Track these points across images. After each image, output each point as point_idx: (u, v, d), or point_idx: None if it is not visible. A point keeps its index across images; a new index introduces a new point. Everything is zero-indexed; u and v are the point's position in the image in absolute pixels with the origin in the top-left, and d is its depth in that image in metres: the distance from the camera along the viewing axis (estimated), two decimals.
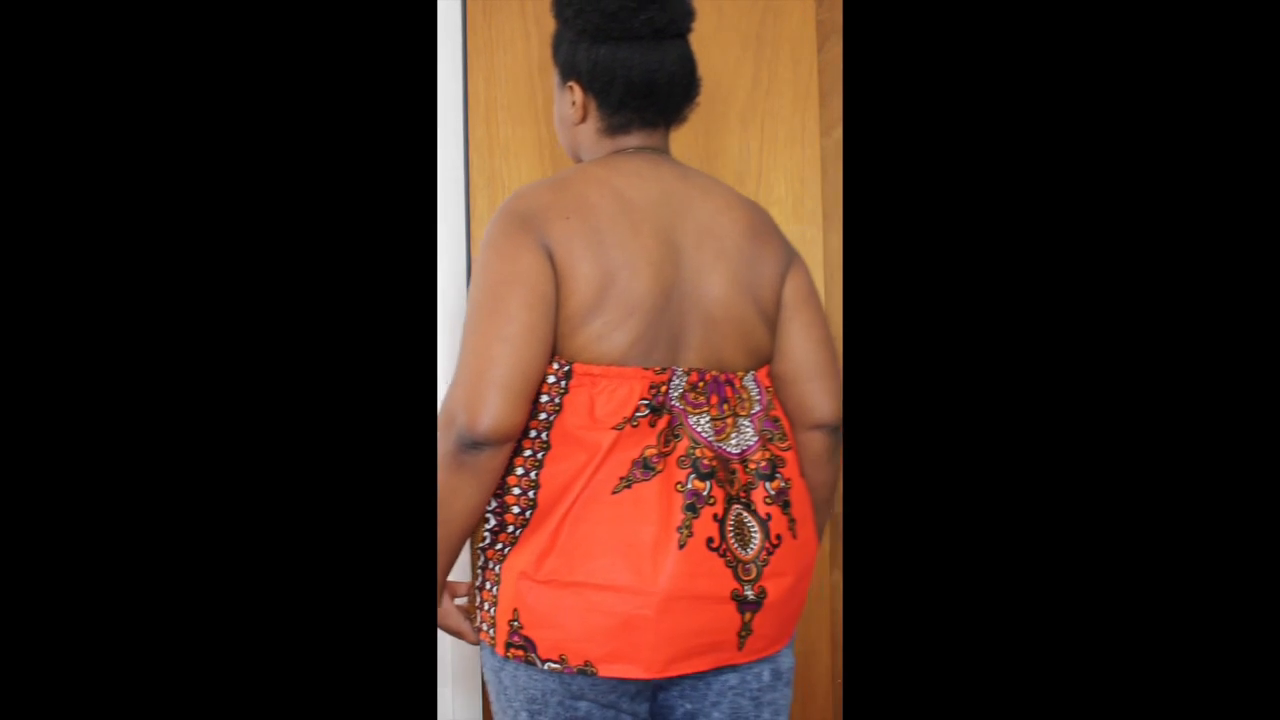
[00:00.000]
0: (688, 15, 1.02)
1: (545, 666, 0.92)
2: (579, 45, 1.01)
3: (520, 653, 0.93)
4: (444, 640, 1.54)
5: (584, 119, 1.05)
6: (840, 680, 1.63)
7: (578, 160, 1.10)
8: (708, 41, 1.62)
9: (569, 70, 1.03)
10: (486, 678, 1.00)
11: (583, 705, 0.95)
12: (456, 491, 0.92)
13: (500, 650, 0.94)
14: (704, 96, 1.63)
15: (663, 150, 1.07)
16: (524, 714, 0.95)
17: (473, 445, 0.90)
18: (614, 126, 1.04)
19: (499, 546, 0.96)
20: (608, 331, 0.95)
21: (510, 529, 0.95)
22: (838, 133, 1.61)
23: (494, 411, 0.89)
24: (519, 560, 0.93)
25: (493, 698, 1.00)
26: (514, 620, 0.93)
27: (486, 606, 0.96)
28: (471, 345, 0.91)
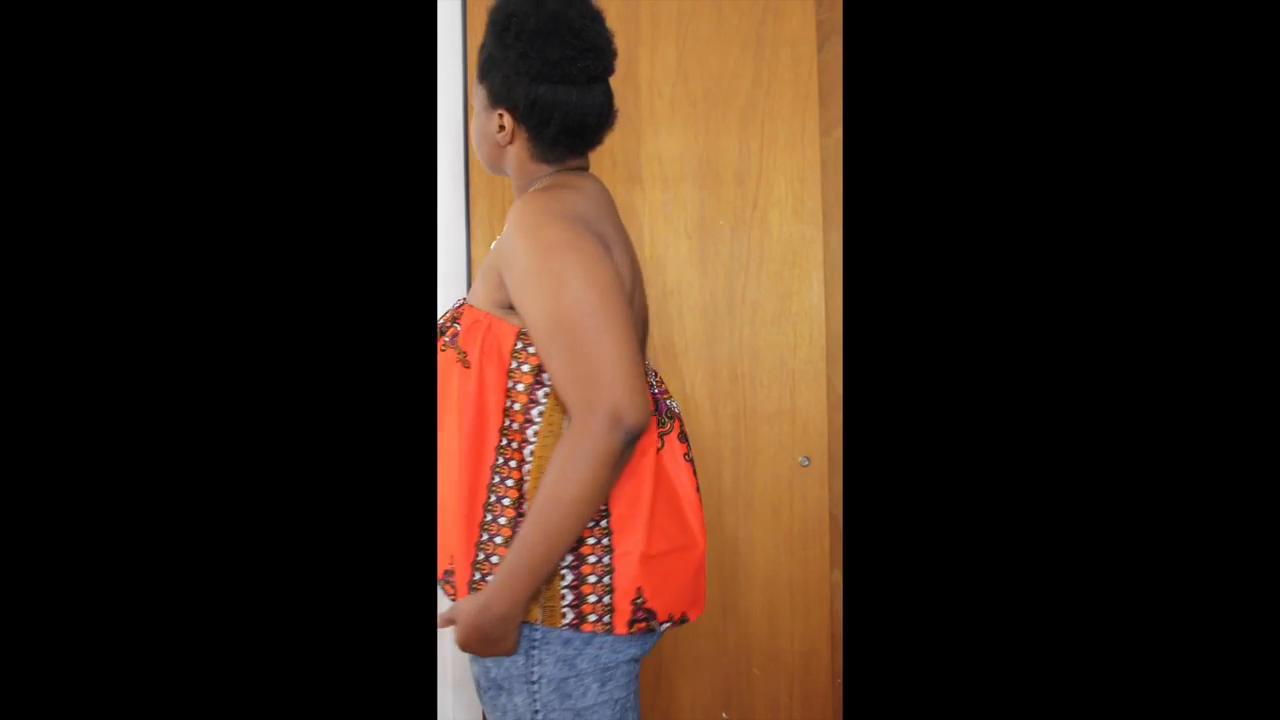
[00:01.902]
0: (614, 58, 1.10)
1: (662, 628, 1.03)
2: (517, 80, 1.06)
3: (643, 625, 1.01)
4: (444, 642, 1.54)
5: (511, 143, 1.10)
6: (840, 680, 1.63)
7: (496, 171, 1.16)
8: (708, 41, 1.62)
9: (502, 98, 1.08)
10: (545, 672, 1.01)
11: (635, 666, 1.05)
12: (606, 486, 0.95)
13: (622, 629, 1.00)
14: (704, 96, 1.64)
15: (589, 170, 1.15)
16: (594, 685, 1.01)
17: (635, 439, 0.95)
18: (547, 156, 1.10)
19: (591, 540, 1.01)
20: (633, 328, 1.03)
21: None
22: (838, 133, 1.61)
23: (646, 403, 0.95)
24: (631, 542, 1.00)
25: (550, 686, 1.01)
26: (637, 599, 1.00)
27: (593, 599, 1.00)
28: (611, 344, 0.94)
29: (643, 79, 1.62)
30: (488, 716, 1.08)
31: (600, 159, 1.28)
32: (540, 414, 1.01)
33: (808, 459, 1.62)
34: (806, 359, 1.62)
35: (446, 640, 1.54)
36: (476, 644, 0.99)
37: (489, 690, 1.05)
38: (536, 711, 1.01)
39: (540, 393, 1.01)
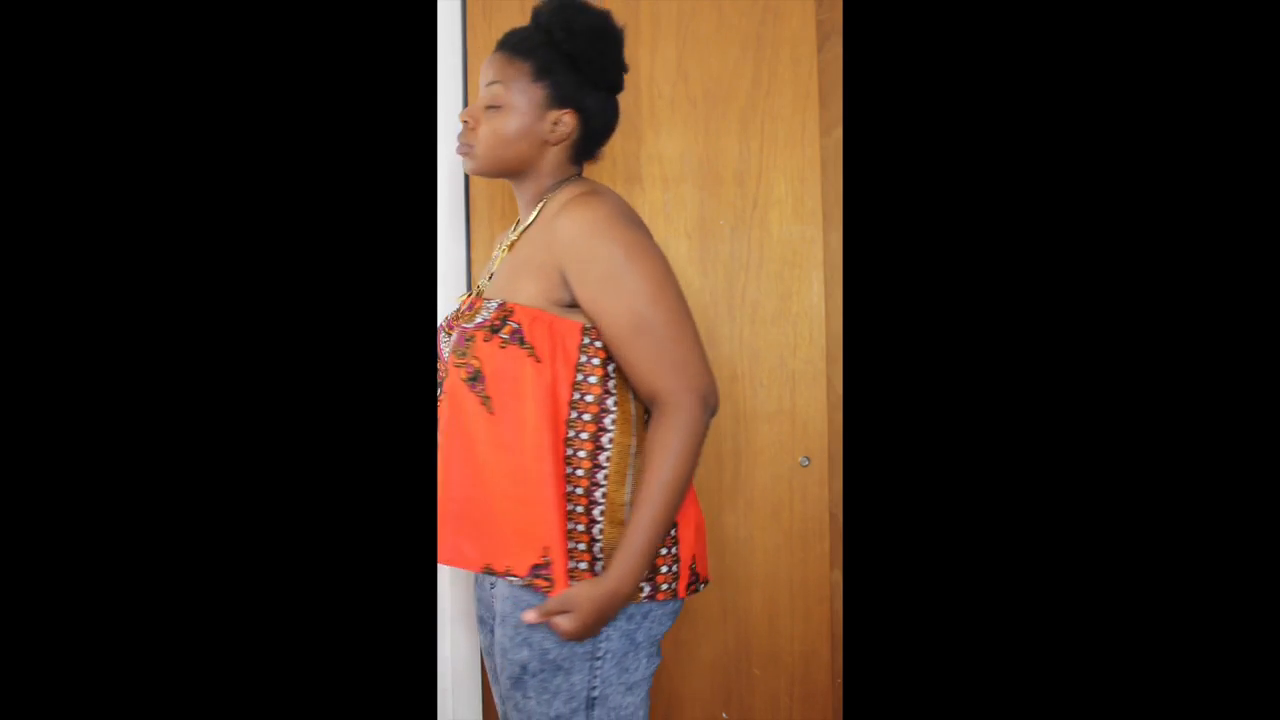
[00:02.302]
0: None
1: (702, 588, 1.14)
2: (591, 91, 1.14)
3: (694, 587, 1.12)
4: (444, 640, 1.54)
5: (559, 143, 1.15)
6: (840, 680, 1.63)
7: (507, 171, 1.17)
8: (708, 41, 1.62)
9: (570, 100, 1.13)
10: (610, 648, 1.06)
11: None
12: (696, 463, 1.07)
13: (683, 593, 1.10)
14: (704, 96, 1.63)
15: None
16: (644, 659, 1.09)
17: (712, 418, 1.09)
18: (581, 159, 1.19)
19: None
20: None
21: None
22: (838, 133, 1.61)
23: (717, 387, 1.09)
24: (684, 515, 1.10)
25: (612, 661, 1.06)
26: (693, 564, 1.11)
27: (664, 569, 1.09)
28: (692, 336, 1.07)
29: (643, 79, 1.62)
30: (524, 704, 1.08)
31: (601, 158, 1.28)
32: (614, 404, 1.08)
33: (808, 459, 1.62)
34: (806, 359, 1.62)
35: (446, 639, 1.54)
36: (592, 629, 1.03)
37: (540, 674, 1.06)
38: (594, 688, 1.06)
39: (611, 384, 1.08)
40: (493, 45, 1.22)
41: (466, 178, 1.62)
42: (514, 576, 1.05)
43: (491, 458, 1.05)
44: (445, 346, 1.15)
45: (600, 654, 1.07)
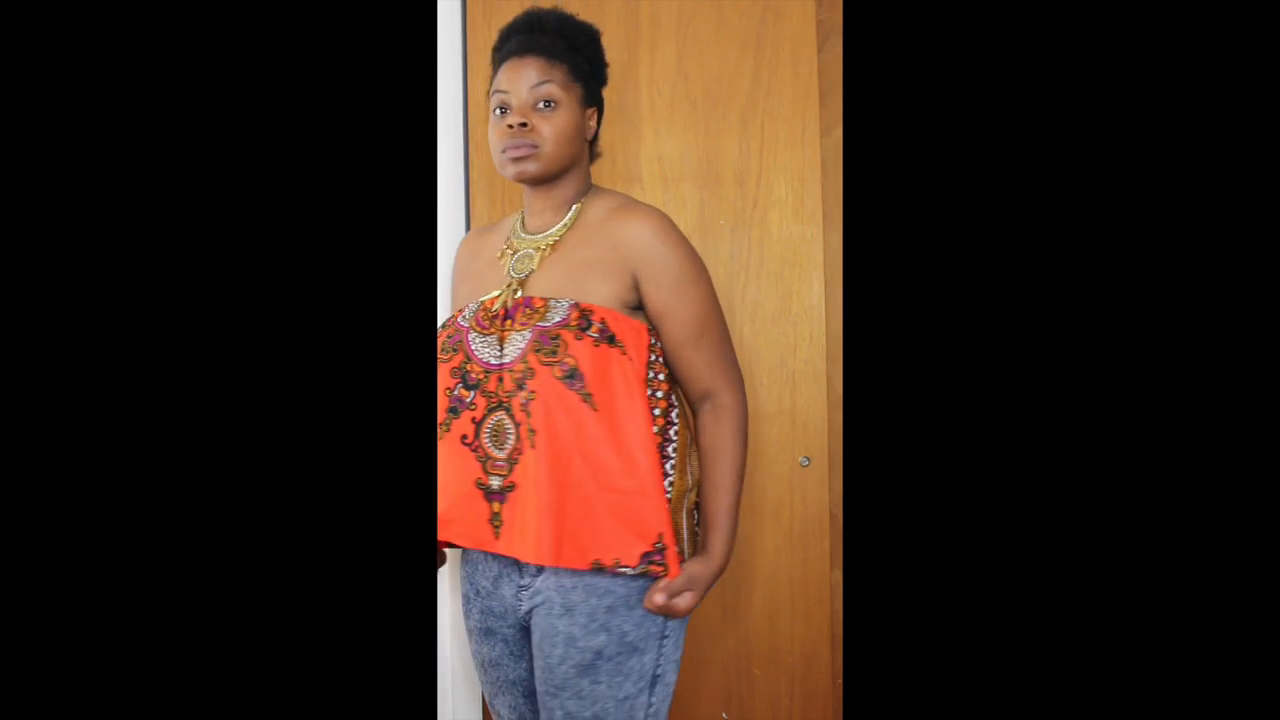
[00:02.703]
0: None
1: None
2: (599, 91, 1.25)
3: None
4: (444, 640, 1.54)
5: (589, 140, 1.24)
6: (840, 680, 1.63)
7: (557, 170, 1.19)
8: (708, 41, 1.62)
9: (592, 101, 1.22)
10: (673, 626, 1.14)
11: None
12: None
13: None
14: (704, 96, 1.63)
15: None
16: (682, 637, 1.16)
17: None
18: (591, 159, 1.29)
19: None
20: None
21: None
22: (838, 133, 1.61)
23: None
24: None
25: (673, 640, 1.14)
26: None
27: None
28: (729, 335, 1.18)
29: (643, 79, 1.62)
30: (590, 691, 1.08)
31: (601, 159, 1.29)
32: (675, 400, 1.15)
33: (808, 459, 1.62)
34: (806, 359, 1.62)
35: (446, 640, 1.54)
36: (699, 603, 1.12)
37: (615, 657, 1.08)
38: (659, 666, 1.13)
39: (672, 381, 1.16)
40: (492, 45, 1.22)
41: (467, 178, 1.62)
42: (625, 568, 1.07)
43: (600, 454, 1.07)
44: (478, 344, 1.13)
45: (666, 633, 1.13)
